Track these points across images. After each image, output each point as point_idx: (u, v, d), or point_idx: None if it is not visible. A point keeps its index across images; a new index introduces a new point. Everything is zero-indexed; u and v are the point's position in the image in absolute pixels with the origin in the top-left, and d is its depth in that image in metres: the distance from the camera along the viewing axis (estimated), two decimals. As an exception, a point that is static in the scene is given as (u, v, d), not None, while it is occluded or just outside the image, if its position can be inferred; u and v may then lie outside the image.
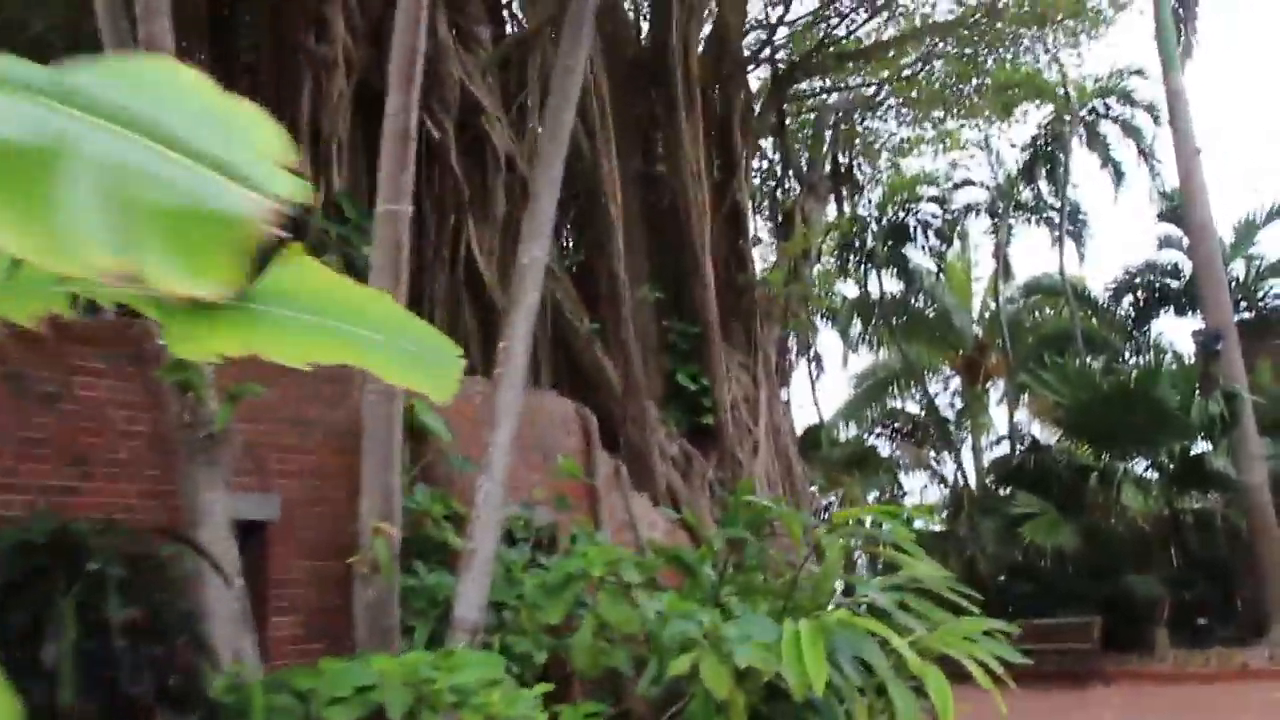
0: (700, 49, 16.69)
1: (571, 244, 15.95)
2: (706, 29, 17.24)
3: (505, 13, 16.24)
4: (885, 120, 24.72)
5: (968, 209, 24.75)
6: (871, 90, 23.42)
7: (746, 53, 19.04)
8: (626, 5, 17.02)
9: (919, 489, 21.58)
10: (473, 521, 6.81)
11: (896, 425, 23.24)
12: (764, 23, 18.60)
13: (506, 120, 13.93)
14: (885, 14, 19.93)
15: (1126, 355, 20.73)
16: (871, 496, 22.07)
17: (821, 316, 27.55)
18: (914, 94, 22.85)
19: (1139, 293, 22.07)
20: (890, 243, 24.60)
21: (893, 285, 25.69)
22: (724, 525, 9.27)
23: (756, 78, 19.87)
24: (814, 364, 28.03)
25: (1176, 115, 18.13)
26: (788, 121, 21.59)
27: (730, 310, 16.05)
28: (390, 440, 7.46)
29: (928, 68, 22.33)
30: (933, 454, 22.05)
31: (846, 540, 8.73)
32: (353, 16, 11.73)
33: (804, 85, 22.32)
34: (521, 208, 13.47)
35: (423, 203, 12.11)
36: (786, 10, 19.07)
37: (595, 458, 9.95)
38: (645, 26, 17.54)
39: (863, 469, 19.71)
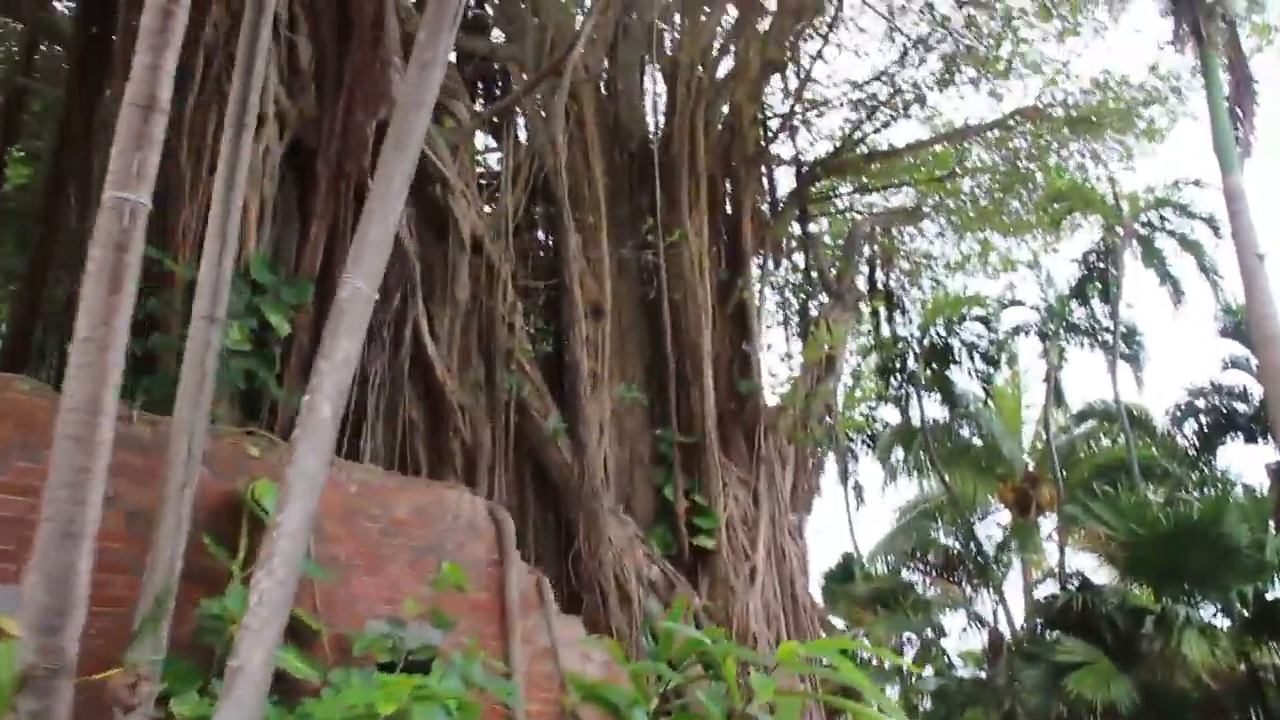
0: (712, 139, 15.13)
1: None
2: (723, 116, 15.68)
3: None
4: (925, 237, 23.00)
5: (1016, 330, 22.68)
6: (909, 201, 21.72)
7: (772, 150, 17.49)
8: (635, 93, 15.59)
9: (959, 630, 19.09)
10: (240, 632, 4.88)
11: (930, 559, 20.80)
12: (788, 117, 16.99)
13: (476, 198, 12.40)
14: (915, 113, 18.25)
15: (1189, 487, 18.23)
16: (905, 637, 19.62)
17: (863, 443, 25.43)
18: (953, 205, 21.12)
19: (1203, 418, 19.68)
20: (933, 365, 22.57)
21: (936, 411, 23.62)
22: (653, 658, 7.19)
23: (782, 179, 18.25)
24: (855, 493, 25.80)
25: (1236, 219, 16.05)
26: (815, 228, 19.89)
27: (730, 420, 14.10)
28: (178, 521, 5.63)
29: (967, 179, 20.66)
30: (969, 592, 19.53)
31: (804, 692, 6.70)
32: (287, 69, 10.33)
33: (835, 191, 20.70)
34: (490, 294, 11.93)
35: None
36: (805, 107, 17.52)
37: (509, 570, 7.96)
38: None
39: (889, 606, 17.35)
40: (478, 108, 13.84)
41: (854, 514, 24.86)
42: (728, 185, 15.57)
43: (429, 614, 6.99)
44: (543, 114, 12.70)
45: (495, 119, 13.20)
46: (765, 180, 16.88)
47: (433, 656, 6.85)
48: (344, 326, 5.42)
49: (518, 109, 13.31)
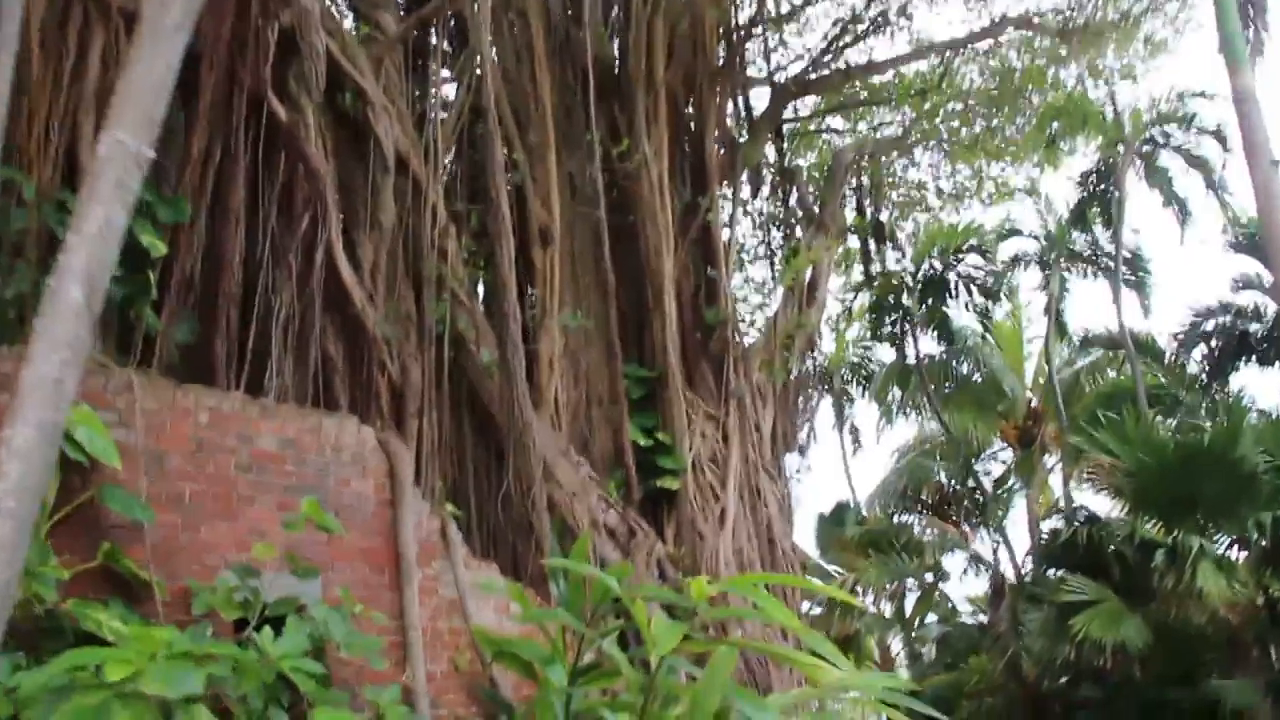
0: (673, 52, 13.76)
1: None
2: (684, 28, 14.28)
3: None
4: (916, 167, 21.59)
5: (1015, 261, 21.25)
6: (897, 130, 20.31)
7: (745, 68, 16.11)
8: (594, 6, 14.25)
9: (959, 573, 17.84)
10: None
11: (924, 499, 19.51)
12: (751, 24, 15.57)
13: (405, 115, 11.13)
14: (898, 26, 16.81)
15: (1201, 414, 16.88)
16: (909, 583, 18.42)
17: (858, 384, 24.14)
18: (944, 131, 19.71)
19: (1213, 342, 18.27)
20: (928, 300, 21.23)
21: (933, 348, 22.29)
22: (563, 604, 5.99)
23: (757, 101, 16.84)
24: (851, 436, 24.55)
25: (1247, 123, 14.57)
26: (798, 158, 18.56)
27: (697, 352, 12.85)
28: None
29: (956, 101, 19.23)
30: (968, 531, 18.25)
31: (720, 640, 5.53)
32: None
33: (818, 116, 19.31)
34: (419, 216, 10.68)
35: (261, 196, 9.26)
36: (774, 19, 16.10)
37: (403, 511, 6.76)
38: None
39: (882, 550, 16.14)
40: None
41: (851, 458, 23.72)
42: (691, 103, 14.23)
43: (288, 561, 5.80)
44: (474, 19, 11.37)
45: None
46: (737, 100, 15.52)
47: (294, 610, 5.67)
48: (102, 190, 4.18)
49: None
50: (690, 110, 14.18)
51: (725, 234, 14.35)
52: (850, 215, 20.09)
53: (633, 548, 10.83)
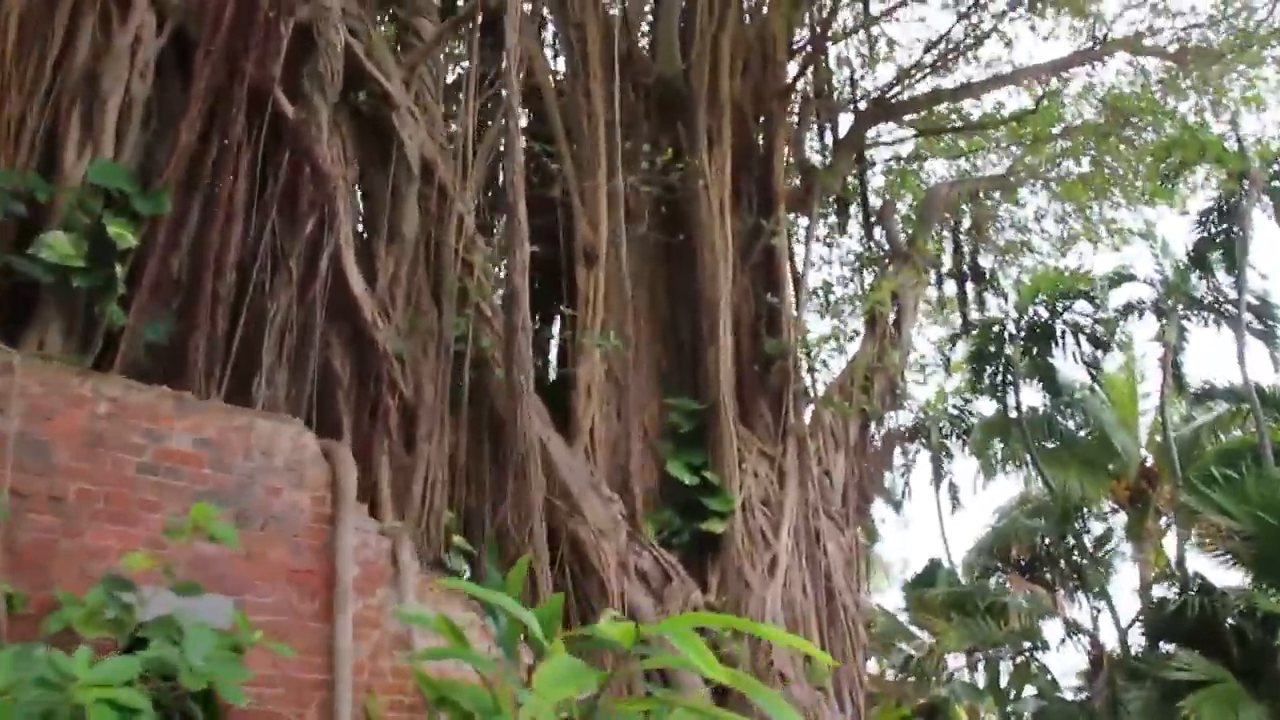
0: (739, 68, 12.81)
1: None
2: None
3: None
4: (1022, 206, 20.11)
5: (1128, 308, 19.47)
6: (999, 166, 18.95)
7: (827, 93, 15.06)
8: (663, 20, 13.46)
9: (1057, 642, 15.96)
10: None
11: (1015, 559, 17.68)
12: (816, 39, 14.45)
13: (438, 121, 10.41)
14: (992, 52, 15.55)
15: (1337, 475, 14.85)
16: (1003, 649, 16.63)
17: (957, 438, 22.48)
18: (1044, 162, 18.27)
19: (1355, 393, 16.25)
20: (1033, 350, 19.58)
21: (1037, 400, 20.55)
22: (501, 645, 4.92)
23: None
24: (950, 494, 22.86)
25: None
26: (886, 190, 17.34)
27: (754, 385, 11.70)
28: None
29: (1061, 138, 17.81)
30: (1062, 596, 16.40)
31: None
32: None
33: (918, 149, 18.03)
34: (445, 227, 9.86)
35: (261, 195, 8.54)
36: (858, 40, 15.00)
37: (342, 529, 5.78)
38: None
39: (965, 611, 14.51)
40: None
41: (949, 515, 22.05)
42: (759, 123, 13.20)
43: (168, 575, 4.86)
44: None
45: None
46: (810, 122, 14.44)
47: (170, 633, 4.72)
48: None
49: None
50: (758, 130, 13.15)
51: (797, 261, 13.22)
52: (947, 257, 18.82)
53: (666, 595, 9.68)
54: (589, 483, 9.76)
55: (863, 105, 14.88)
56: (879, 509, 21.59)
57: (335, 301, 8.85)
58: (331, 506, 5.83)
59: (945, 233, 18.80)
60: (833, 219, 16.50)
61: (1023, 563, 17.32)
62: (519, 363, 8.24)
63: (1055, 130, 17.56)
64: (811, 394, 12.53)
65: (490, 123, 11.29)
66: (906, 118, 16.21)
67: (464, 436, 9.36)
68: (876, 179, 17.43)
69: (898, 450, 22.17)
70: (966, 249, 19.18)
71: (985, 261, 20.00)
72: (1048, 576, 17.00)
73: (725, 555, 10.51)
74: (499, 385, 9.60)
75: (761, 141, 13.09)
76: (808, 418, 11.90)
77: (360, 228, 9.80)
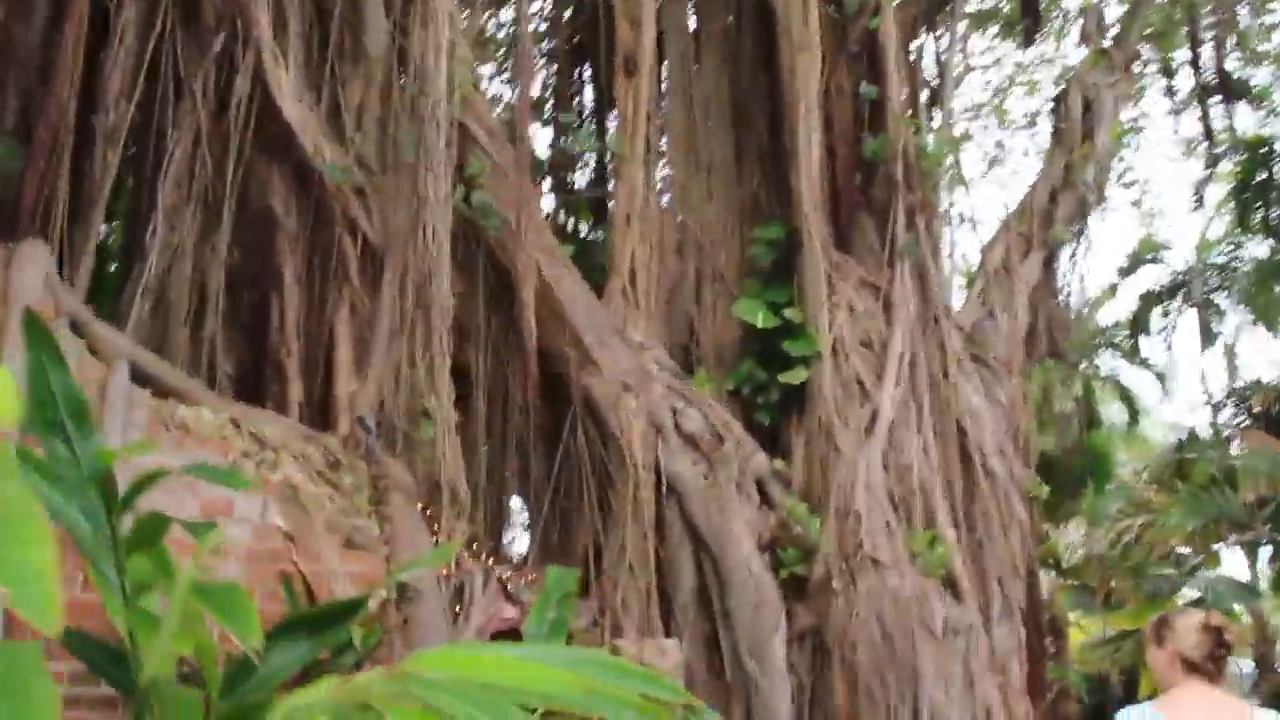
0: None
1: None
2: None
3: None
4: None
5: None
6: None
7: None
8: None
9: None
10: None
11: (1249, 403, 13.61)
12: None
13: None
14: None
15: None
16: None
17: (1220, 288, 18.33)
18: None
19: None
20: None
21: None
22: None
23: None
24: (1226, 355, 18.78)
25: None
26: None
27: (851, 199, 9.11)
28: None
29: None
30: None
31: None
32: None
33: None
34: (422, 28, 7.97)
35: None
36: None
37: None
38: None
39: (1188, 479, 11.07)
40: None
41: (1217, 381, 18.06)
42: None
43: None
44: None
45: None
46: None
47: None
48: None
49: None
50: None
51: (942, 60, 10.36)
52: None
53: (716, 461, 7.52)
54: (611, 328, 7.72)
55: None
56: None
57: (268, 131, 7.25)
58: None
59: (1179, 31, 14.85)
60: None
61: (1268, 414, 13.27)
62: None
63: None
64: (946, 213, 9.80)
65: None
66: None
67: (463, 284, 7.58)
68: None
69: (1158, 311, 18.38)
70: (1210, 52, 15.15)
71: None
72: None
73: (810, 410, 8.17)
74: (494, 213, 7.69)
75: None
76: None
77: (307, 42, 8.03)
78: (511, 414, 7.79)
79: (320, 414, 6.99)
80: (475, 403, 7.63)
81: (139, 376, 4.74)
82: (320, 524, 4.54)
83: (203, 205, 6.97)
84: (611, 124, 10.10)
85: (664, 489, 7.39)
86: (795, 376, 8.18)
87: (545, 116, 11.77)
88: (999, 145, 18.26)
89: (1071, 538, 16.65)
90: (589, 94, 11.76)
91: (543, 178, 10.84)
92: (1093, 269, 34.64)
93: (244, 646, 2.66)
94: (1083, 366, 19.15)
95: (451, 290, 7.54)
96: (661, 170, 9.44)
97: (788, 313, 8.40)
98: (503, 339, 7.81)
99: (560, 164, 11.26)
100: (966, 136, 12.75)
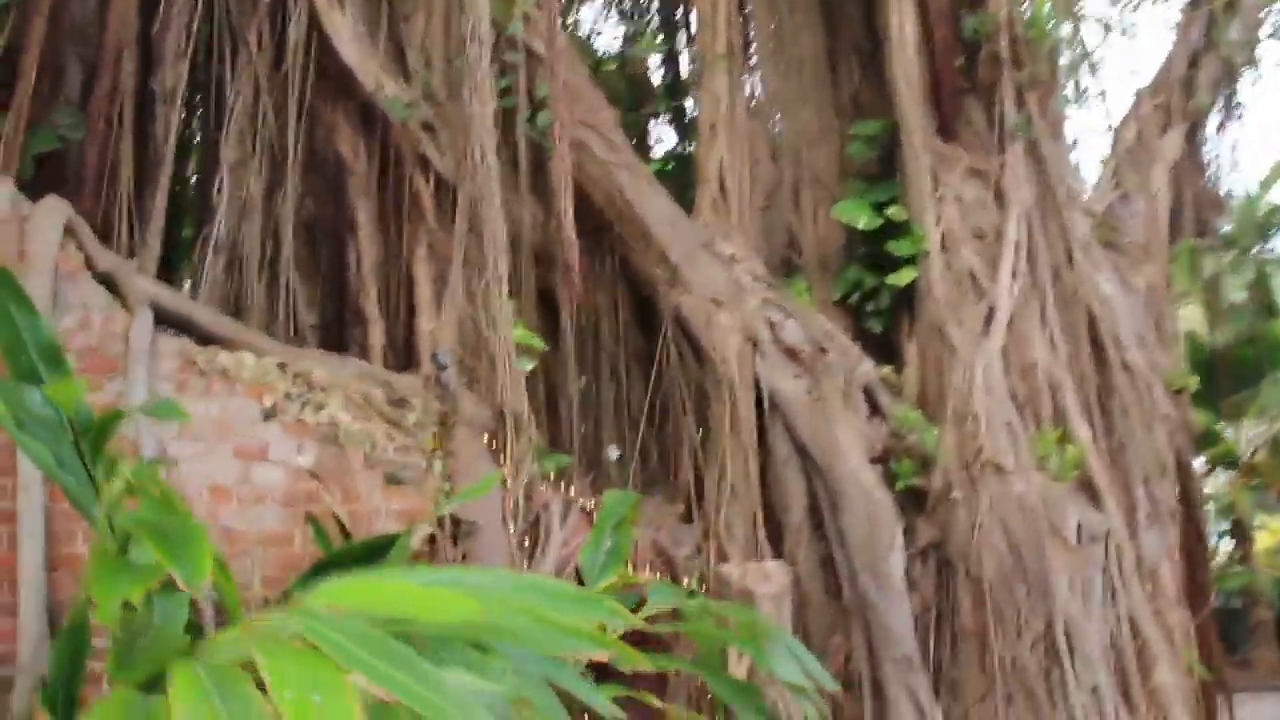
0: None
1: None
2: None
3: None
4: None
5: None
6: None
7: None
8: None
9: None
10: None
11: None
12: None
13: None
14: None
15: None
16: None
17: None
18: None
19: None
20: None
21: None
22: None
23: None
24: None
25: None
26: None
27: (953, 84, 8.35)
28: None
29: None
30: None
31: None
32: None
33: None
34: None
35: None
36: None
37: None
38: None
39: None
40: None
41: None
42: None
43: None
44: None
45: None
46: None
47: None
48: None
49: None
50: None
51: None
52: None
53: (820, 372, 7.06)
54: (699, 242, 7.32)
55: None
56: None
57: (328, 76, 7.10)
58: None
59: None
60: None
61: None
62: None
63: None
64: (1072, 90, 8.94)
65: None
66: None
67: (526, 210, 7.33)
68: None
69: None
70: None
71: None
72: None
73: (921, 312, 7.61)
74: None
75: None
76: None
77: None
78: (604, 341, 7.50)
79: (405, 355, 6.91)
80: (564, 334, 7.37)
81: (179, 324, 4.66)
82: (358, 461, 4.38)
83: (268, 158, 6.90)
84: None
85: (765, 406, 6.99)
86: (903, 278, 7.62)
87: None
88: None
89: (1250, 435, 15.45)
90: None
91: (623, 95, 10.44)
92: (1255, 143, 31.78)
93: (187, 589, 2.47)
94: (1255, 251, 17.67)
95: (534, 220, 7.35)
96: (747, 74, 8.89)
97: (891, 211, 7.81)
98: (591, 266, 7.51)
99: (640, 80, 10.86)
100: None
